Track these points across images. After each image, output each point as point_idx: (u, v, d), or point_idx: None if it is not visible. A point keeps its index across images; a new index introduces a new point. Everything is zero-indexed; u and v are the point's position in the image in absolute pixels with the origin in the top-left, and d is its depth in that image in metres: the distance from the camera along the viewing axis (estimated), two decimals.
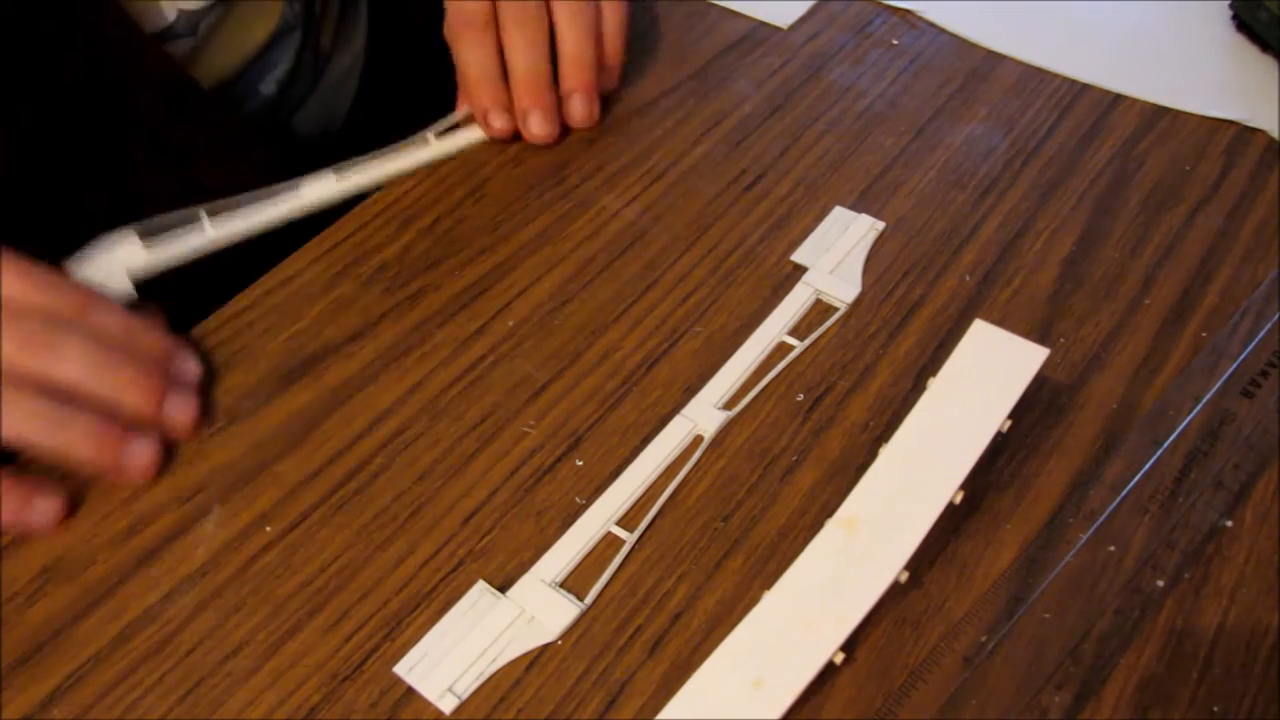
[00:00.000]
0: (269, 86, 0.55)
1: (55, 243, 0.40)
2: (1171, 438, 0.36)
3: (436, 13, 0.47)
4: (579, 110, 0.47)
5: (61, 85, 0.44)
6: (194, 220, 0.41)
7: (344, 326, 0.40)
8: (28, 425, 0.33)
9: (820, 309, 0.41)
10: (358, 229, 0.44)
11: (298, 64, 0.55)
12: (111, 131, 0.46)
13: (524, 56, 0.45)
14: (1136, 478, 0.35)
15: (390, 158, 0.46)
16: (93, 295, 0.36)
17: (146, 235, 0.40)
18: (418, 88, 0.53)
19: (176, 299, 0.41)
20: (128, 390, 0.35)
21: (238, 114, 0.53)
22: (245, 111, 0.54)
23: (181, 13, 0.47)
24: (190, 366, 0.38)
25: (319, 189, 0.43)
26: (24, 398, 0.33)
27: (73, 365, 0.34)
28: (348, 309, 0.41)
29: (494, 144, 0.48)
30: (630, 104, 0.50)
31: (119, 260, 0.39)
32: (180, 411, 0.36)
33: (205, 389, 0.38)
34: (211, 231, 0.41)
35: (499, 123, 0.46)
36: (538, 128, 0.46)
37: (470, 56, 0.45)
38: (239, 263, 0.43)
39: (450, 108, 0.48)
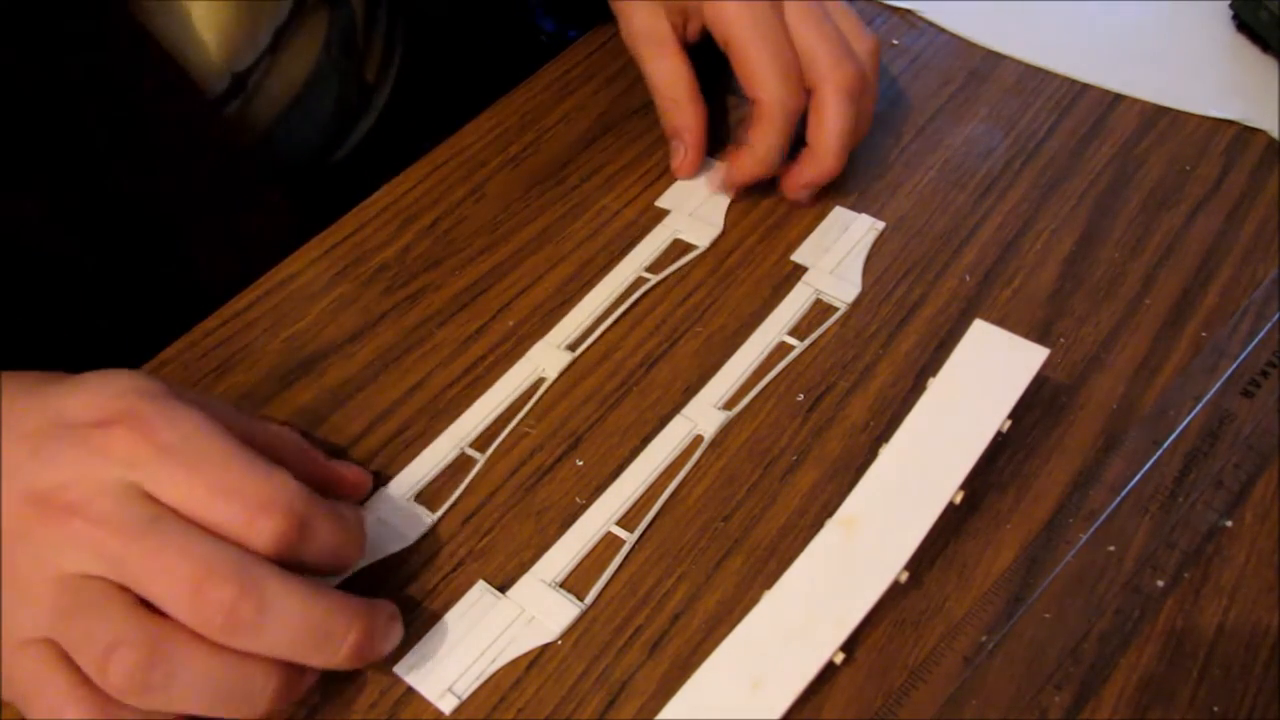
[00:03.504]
0: (311, 134, 0.50)
1: (108, 345, 0.37)
2: (1171, 438, 0.36)
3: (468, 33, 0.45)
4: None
5: (116, 165, 0.40)
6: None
7: (344, 326, 0.40)
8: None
9: (820, 309, 0.41)
10: (358, 229, 0.44)
11: (341, 101, 0.51)
12: (169, 219, 0.43)
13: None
14: (1136, 478, 0.35)
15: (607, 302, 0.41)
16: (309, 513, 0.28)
17: None
18: (447, 106, 0.50)
19: (177, 299, 0.41)
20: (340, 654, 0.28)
21: (283, 162, 0.49)
22: (292, 160, 0.49)
23: (234, 75, 0.44)
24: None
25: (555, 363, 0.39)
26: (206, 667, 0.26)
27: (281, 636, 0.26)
28: (348, 309, 0.41)
29: (494, 143, 0.48)
30: (630, 104, 0.49)
31: None
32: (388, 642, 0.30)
33: (205, 389, 0.38)
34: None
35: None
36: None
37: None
38: (239, 262, 0.43)
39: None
